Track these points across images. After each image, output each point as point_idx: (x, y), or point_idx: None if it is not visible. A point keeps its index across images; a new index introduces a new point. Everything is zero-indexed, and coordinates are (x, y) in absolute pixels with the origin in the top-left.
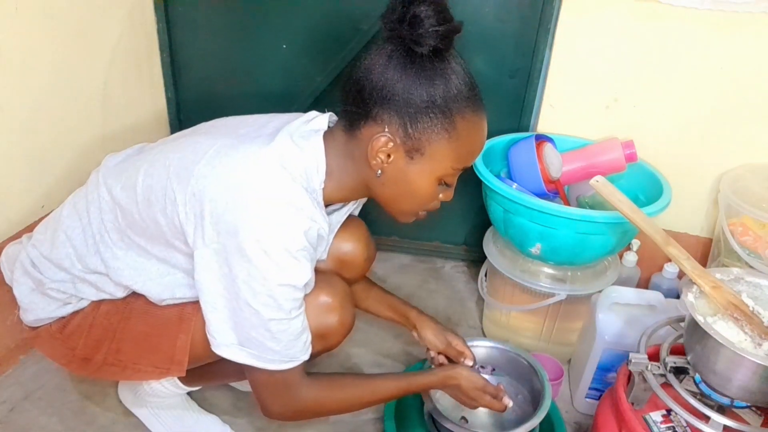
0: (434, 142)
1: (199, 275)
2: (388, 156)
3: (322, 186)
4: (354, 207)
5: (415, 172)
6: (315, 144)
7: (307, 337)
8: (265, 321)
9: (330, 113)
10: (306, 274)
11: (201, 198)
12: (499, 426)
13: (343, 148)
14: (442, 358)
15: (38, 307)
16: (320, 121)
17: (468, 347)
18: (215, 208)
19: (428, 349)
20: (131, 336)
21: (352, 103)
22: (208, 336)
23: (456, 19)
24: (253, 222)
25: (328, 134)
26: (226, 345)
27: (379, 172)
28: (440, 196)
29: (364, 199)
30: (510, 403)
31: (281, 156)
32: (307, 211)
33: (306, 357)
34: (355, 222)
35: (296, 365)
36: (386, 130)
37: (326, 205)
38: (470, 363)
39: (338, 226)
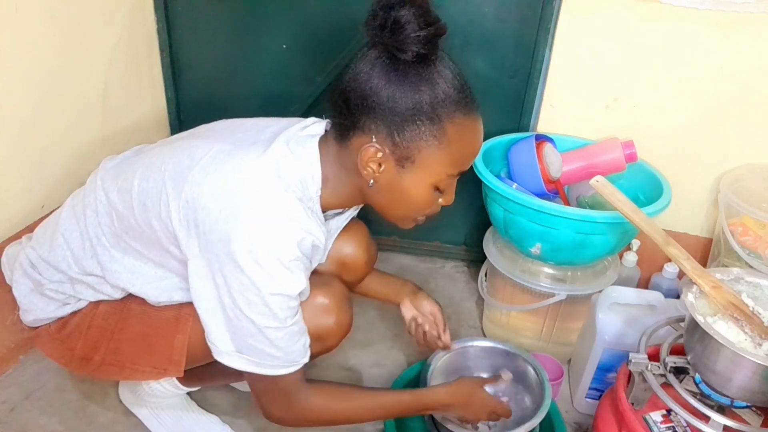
0: (424, 150)
1: (194, 283)
2: (379, 165)
3: (319, 193)
4: (354, 211)
5: (408, 181)
6: (310, 150)
7: (306, 339)
8: (262, 329)
9: (327, 120)
10: (300, 284)
11: (195, 205)
12: (499, 426)
13: (336, 157)
14: (413, 327)
15: (37, 308)
16: (317, 127)
17: (441, 310)
18: (208, 217)
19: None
20: (129, 336)
21: (339, 113)
22: (209, 343)
23: (442, 21)
24: (246, 232)
25: (323, 141)
26: (226, 353)
27: (371, 181)
28: (439, 200)
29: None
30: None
31: (277, 164)
32: (300, 221)
33: (306, 359)
34: (356, 224)
35: (297, 369)
36: (374, 140)
37: (324, 211)
38: (442, 327)
39: (338, 230)
